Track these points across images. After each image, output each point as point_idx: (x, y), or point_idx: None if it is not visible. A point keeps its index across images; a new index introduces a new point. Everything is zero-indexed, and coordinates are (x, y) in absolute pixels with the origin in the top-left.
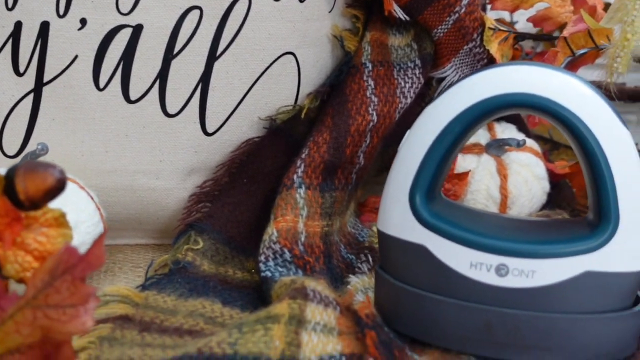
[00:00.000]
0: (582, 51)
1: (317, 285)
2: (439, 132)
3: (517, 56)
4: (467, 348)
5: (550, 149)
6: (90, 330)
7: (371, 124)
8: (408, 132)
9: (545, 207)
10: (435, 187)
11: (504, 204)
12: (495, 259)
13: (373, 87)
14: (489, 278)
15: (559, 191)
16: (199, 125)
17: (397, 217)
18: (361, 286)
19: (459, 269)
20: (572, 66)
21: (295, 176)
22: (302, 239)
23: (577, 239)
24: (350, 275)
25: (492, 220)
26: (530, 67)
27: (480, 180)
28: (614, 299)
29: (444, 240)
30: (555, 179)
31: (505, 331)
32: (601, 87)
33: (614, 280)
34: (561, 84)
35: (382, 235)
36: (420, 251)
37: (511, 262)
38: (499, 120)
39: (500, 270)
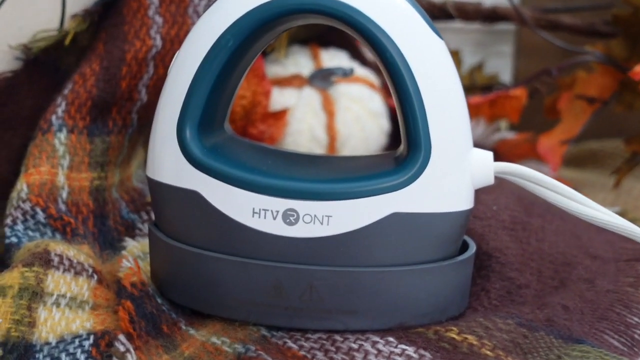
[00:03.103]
0: None
1: (69, 250)
2: (209, 48)
3: None
4: (254, 317)
5: None
6: None
7: (154, 50)
8: (178, 50)
9: (385, 149)
10: (213, 118)
11: (331, 146)
12: (281, 204)
13: (157, 5)
14: (276, 228)
15: None
16: None
17: (164, 158)
18: (139, 251)
19: (239, 219)
20: None
21: (53, 117)
22: (64, 195)
23: (381, 175)
24: (127, 239)
25: (283, 158)
26: None
27: (302, 119)
28: (430, 246)
29: (220, 183)
30: None
31: (298, 293)
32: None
33: (428, 223)
34: None
35: (150, 184)
36: (193, 199)
37: (301, 206)
38: (326, 46)
39: (289, 217)
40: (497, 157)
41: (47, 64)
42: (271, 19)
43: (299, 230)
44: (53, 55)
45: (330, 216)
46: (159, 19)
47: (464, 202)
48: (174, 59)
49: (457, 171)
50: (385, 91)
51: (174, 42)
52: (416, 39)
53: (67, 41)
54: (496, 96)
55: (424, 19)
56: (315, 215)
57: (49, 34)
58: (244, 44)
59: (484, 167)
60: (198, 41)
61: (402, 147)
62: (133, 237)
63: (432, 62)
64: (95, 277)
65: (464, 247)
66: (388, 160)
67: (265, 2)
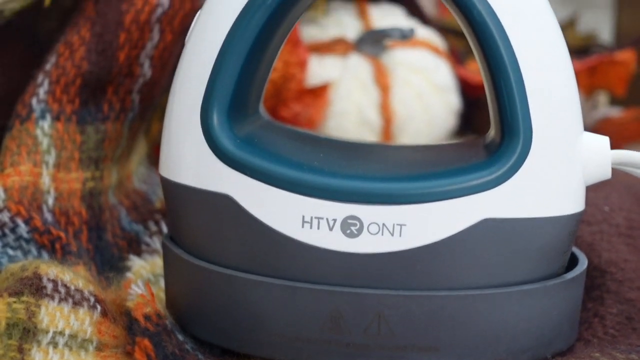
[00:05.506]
0: None
1: (64, 273)
2: (242, 8)
3: None
4: (305, 357)
5: (468, 49)
6: None
7: (159, 10)
8: (198, 13)
9: (456, 134)
10: (246, 100)
11: (386, 131)
12: (340, 210)
13: None
14: (333, 241)
15: (479, 110)
16: None
17: (184, 153)
18: (148, 272)
19: (284, 230)
20: None
21: (34, 100)
22: (50, 201)
23: (468, 170)
24: (133, 257)
25: (337, 149)
26: None
27: (348, 97)
28: (532, 262)
29: (258, 184)
30: (472, 93)
31: (363, 325)
32: None
33: (529, 231)
34: None
35: (165, 185)
36: (224, 205)
37: (366, 212)
38: (376, 0)
39: (350, 228)
40: None
41: (22, 30)
42: None
43: (363, 244)
44: (29, 20)
45: (404, 225)
46: None
47: (573, 202)
48: (193, 22)
49: (565, 163)
50: (452, 57)
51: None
52: None
53: (47, 1)
54: (597, 62)
55: None
56: (383, 224)
57: None
58: (287, 1)
59: (599, 156)
60: None
61: (492, 133)
62: (139, 254)
63: (531, 21)
64: (99, 307)
65: (572, 261)
66: (474, 150)
67: None
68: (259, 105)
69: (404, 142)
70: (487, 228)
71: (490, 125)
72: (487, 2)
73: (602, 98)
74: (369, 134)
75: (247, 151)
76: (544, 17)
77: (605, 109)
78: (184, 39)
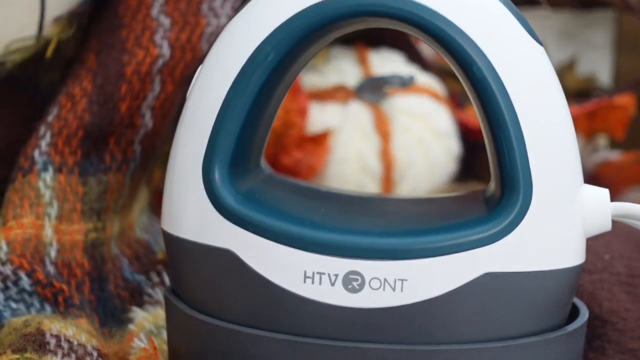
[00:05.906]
0: None
1: (67, 328)
2: (243, 64)
3: None
4: None
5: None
6: None
7: (160, 61)
8: (199, 69)
9: (456, 179)
10: (248, 155)
11: (387, 178)
12: (342, 265)
13: (163, 2)
14: (335, 296)
15: (479, 154)
16: None
17: (186, 208)
18: (150, 324)
19: (286, 285)
20: None
21: (36, 153)
22: (53, 254)
23: (469, 225)
24: (135, 308)
25: (338, 203)
26: None
27: (349, 144)
28: (533, 314)
29: (260, 240)
30: (472, 137)
31: None
32: None
33: (529, 285)
34: None
35: (167, 240)
36: (226, 260)
37: (367, 267)
38: (376, 46)
39: (352, 283)
40: (599, 185)
41: (23, 82)
42: (325, 23)
43: (365, 299)
44: (31, 71)
45: (405, 280)
46: (165, 20)
47: (574, 255)
48: (194, 79)
49: (565, 216)
50: (452, 102)
51: (185, 50)
52: (511, 48)
53: (49, 52)
54: (596, 106)
55: (519, 20)
56: (385, 279)
57: (25, 44)
58: (288, 58)
59: (599, 209)
60: (228, 56)
61: (492, 186)
62: (141, 305)
63: (531, 76)
64: None
65: (573, 311)
66: (474, 204)
67: (315, 3)
68: (260, 159)
69: (405, 189)
70: (488, 282)
71: (491, 178)
72: (487, 58)
73: (602, 141)
74: (369, 181)
75: (248, 206)
76: (543, 72)
77: (605, 153)
78: (186, 88)
